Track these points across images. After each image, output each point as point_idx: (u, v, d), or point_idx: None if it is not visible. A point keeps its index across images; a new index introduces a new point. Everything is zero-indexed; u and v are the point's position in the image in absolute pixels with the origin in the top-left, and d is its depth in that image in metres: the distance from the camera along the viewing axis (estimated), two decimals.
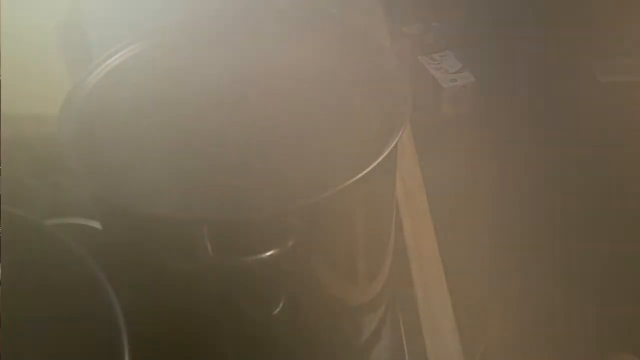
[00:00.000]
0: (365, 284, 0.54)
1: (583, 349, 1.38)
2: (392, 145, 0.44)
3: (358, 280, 0.53)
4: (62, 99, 0.49)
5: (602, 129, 1.62)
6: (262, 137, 0.61)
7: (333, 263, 0.49)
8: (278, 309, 0.48)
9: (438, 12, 1.84)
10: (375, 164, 0.42)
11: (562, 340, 1.40)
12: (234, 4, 0.58)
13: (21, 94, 0.73)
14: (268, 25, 0.57)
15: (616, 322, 1.43)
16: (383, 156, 0.43)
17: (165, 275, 0.46)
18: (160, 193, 0.57)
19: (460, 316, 0.60)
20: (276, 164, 0.62)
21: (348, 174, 0.42)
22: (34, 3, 0.72)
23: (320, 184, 0.41)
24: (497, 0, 1.91)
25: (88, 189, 0.44)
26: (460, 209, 1.67)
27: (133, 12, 0.72)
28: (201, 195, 0.59)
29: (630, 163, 1.71)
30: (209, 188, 0.60)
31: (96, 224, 0.64)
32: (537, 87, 1.86)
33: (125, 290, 0.53)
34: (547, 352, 1.38)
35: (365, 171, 0.42)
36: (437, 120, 1.88)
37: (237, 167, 0.62)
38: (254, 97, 0.59)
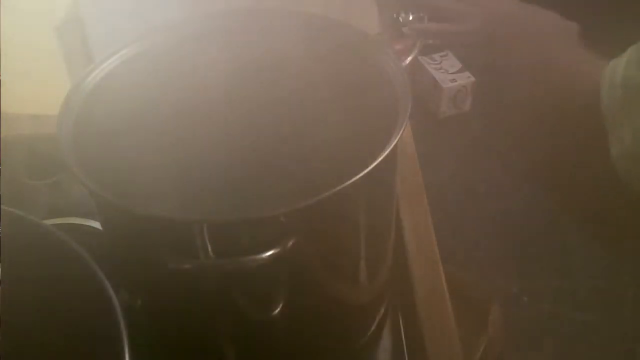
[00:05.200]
0: (365, 284, 0.54)
1: (584, 349, 1.38)
2: (392, 145, 0.44)
3: (358, 280, 0.53)
4: (62, 99, 0.49)
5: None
6: (262, 137, 0.61)
7: (333, 263, 0.49)
8: (278, 309, 0.48)
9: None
10: (375, 164, 0.42)
11: (563, 340, 1.40)
12: (234, 4, 0.58)
13: (21, 94, 0.73)
14: (269, 26, 0.57)
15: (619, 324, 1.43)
16: (383, 156, 0.43)
17: (165, 275, 0.46)
18: (160, 193, 0.57)
19: (460, 316, 0.60)
20: (276, 163, 0.62)
21: (348, 173, 0.42)
22: (34, 3, 0.72)
23: (320, 184, 0.41)
24: None
25: (88, 189, 0.44)
26: (459, 209, 1.67)
27: (133, 12, 0.72)
28: (201, 195, 0.59)
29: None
30: (209, 188, 0.60)
31: (96, 224, 0.64)
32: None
33: (125, 290, 0.53)
34: (547, 351, 1.38)
35: (366, 171, 0.42)
36: (437, 120, 1.88)
37: (237, 167, 0.62)
38: (253, 97, 0.59)
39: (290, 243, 0.42)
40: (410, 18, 0.62)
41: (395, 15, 0.62)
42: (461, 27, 0.58)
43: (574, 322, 1.42)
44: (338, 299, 0.53)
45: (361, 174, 0.42)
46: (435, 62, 1.86)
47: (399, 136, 0.44)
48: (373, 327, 0.58)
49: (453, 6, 0.59)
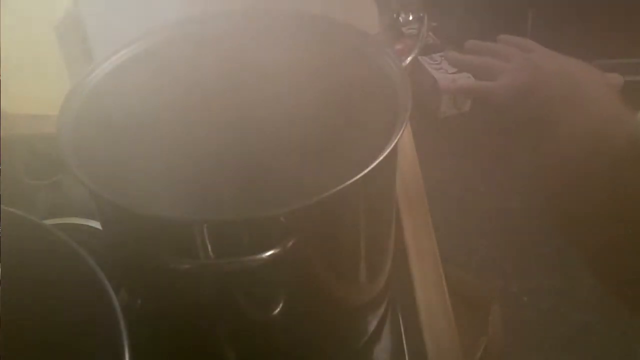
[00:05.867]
0: (365, 284, 0.54)
1: (584, 349, 1.38)
2: (392, 145, 0.44)
3: (358, 280, 0.53)
4: (62, 99, 0.49)
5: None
6: (262, 137, 0.61)
7: (333, 263, 0.49)
8: (278, 309, 0.48)
9: (438, 11, 1.84)
10: (375, 164, 0.42)
11: (563, 340, 1.40)
12: (234, 4, 0.58)
13: (21, 94, 0.73)
14: (268, 26, 0.57)
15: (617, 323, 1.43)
16: (383, 156, 0.43)
17: (165, 275, 0.46)
18: (160, 193, 0.57)
19: (460, 316, 0.60)
20: (276, 164, 0.62)
21: (348, 174, 0.42)
22: (33, 3, 0.72)
23: (320, 184, 0.41)
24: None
25: (88, 189, 0.44)
26: (460, 208, 1.67)
27: (133, 12, 0.72)
28: (201, 195, 0.59)
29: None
30: (209, 188, 0.60)
31: (96, 224, 0.64)
32: None
33: (125, 290, 0.53)
34: (547, 351, 1.38)
35: (365, 171, 0.42)
36: (437, 120, 1.89)
37: (237, 167, 0.62)
38: (254, 98, 0.59)
39: (290, 243, 0.42)
40: (410, 18, 0.62)
41: (395, 15, 0.62)
42: (493, 84, 0.56)
43: (574, 322, 1.42)
44: (338, 299, 0.53)
45: (361, 174, 0.42)
46: (435, 62, 1.86)
47: (399, 136, 0.44)
48: (373, 327, 0.58)
49: (488, 61, 0.57)
